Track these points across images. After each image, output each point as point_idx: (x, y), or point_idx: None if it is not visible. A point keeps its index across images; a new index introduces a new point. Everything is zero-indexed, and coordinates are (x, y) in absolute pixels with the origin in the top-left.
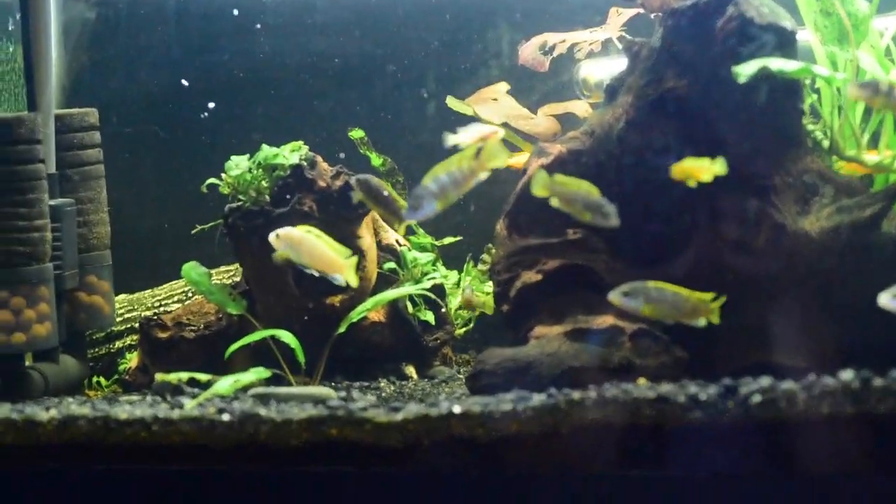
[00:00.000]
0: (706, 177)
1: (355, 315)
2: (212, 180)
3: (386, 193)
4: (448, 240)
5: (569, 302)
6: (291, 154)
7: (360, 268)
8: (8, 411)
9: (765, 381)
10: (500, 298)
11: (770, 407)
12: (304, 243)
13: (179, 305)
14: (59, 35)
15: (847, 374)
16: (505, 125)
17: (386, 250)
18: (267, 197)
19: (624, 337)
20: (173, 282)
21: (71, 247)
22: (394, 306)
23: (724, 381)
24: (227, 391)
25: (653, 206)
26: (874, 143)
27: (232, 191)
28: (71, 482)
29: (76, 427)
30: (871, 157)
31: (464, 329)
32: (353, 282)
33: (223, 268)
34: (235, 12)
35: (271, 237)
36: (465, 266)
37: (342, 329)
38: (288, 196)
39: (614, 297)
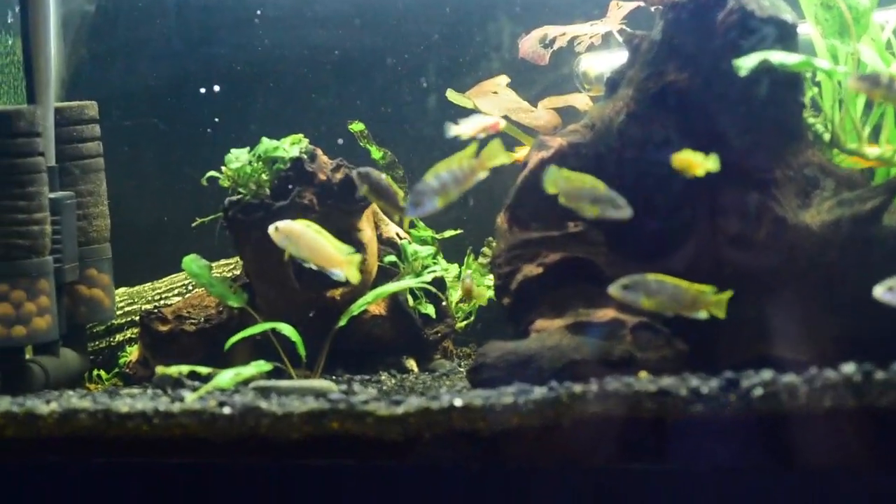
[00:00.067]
0: (699, 171)
1: (356, 308)
2: (212, 173)
3: (386, 186)
4: (449, 233)
5: (570, 295)
6: (291, 147)
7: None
8: (8, 404)
9: (766, 374)
10: (501, 292)
11: (772, 400)
12: (304, 237)
13: (180, 299)
14: (58, 27)
15: (849, 368)
16: (505, 118)
17: (386, 243)
18: (267, 190)
19: (625, 330)
20: (173, 275)
21: (71, 240)
22: (394, 299)
23: (726, 374)
24: (228, 384)
25: (653, 199)
26: (875, 136)
27: (232, 184)
28: (72, 475)
29: (77, 420)
30: (872, 151)
31: (464, 322)
32: (355, 279)
33: (223, 261)
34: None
35: (270, 230)
36: (466, 259)
37: (343, 322)
38: (290, 188)
39: (614, 290)
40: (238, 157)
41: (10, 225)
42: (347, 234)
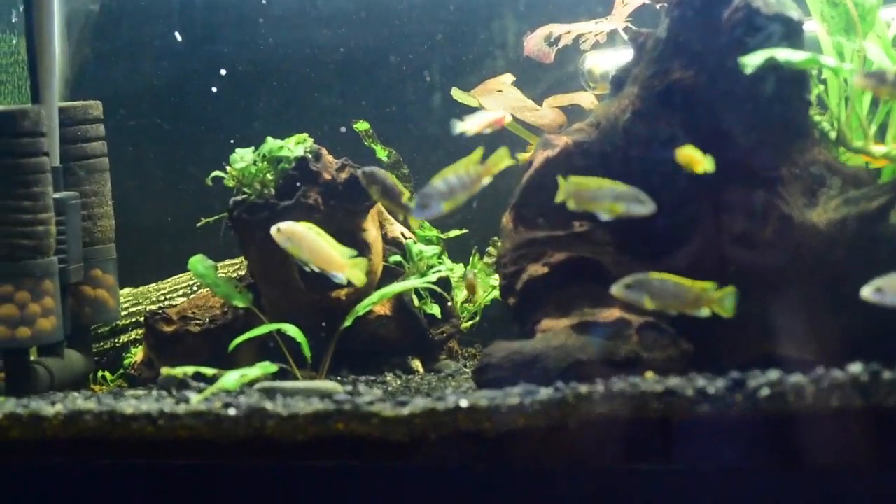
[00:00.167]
0: (698, 168)
1: (361, 309)
2: (216, 173)
3: (392, 185)
4: (454, 233)
5: (575, 295)
6: (296, 146)
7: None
8: (13, 406)
9: (773, 374)
10: (507, 291)
11: (778, 400)
12: (306, 239)
13: (185, 299)
14: (62, 27)
15: (856, 367)
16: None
17: (391, 243)
18: (272, 190)
19: (631, 330)
20: (178, 275)
21: (75, 240)
22: (400, 300)
23: (732, 374)
24: (234, 386)
25: (659, 198)
26: (882, 134)
27: (237, 183)
28: (77, 477)
29: (82, 422)
30: (878, 149)
31: (470, 322)
32: (359, 282)
33: (228, 261)
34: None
35: (272, 231)
36: (471, 259)
37: (348, 323)
38: (295, 187)
39: (617, 289)
40: (243, 157)
41: (14, 225)
42: (352, 233)
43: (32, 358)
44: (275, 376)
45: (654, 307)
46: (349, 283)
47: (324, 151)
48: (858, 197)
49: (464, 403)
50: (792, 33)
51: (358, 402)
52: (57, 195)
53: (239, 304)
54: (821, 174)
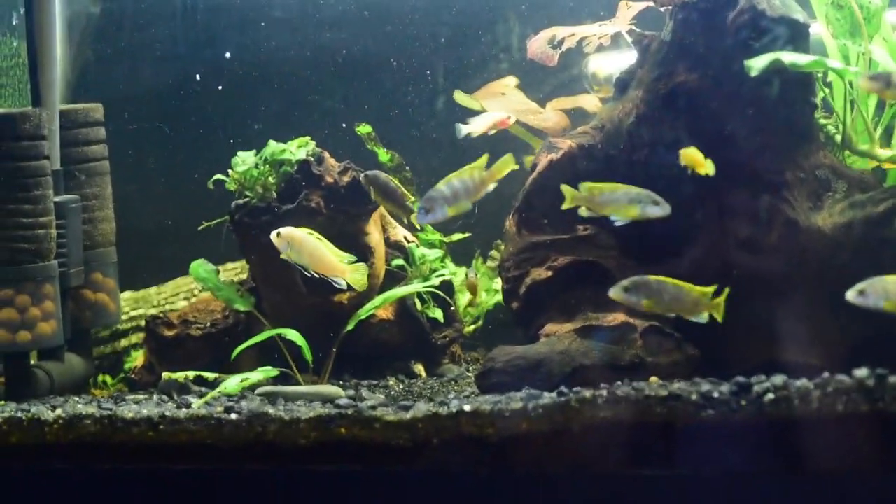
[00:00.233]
0: (700, 170)
1: (363, 313)
2: (218, 176)
3: (395, 188)
4: (457, 236)
5: (579, 299)
6: (298, 149)
7: (367, 265)
8: (13, 410)
9: (778, 378)
10: (510, 295)
11: (784, 405)
12: (305, 244)
13: (186, 303)
14: (63, 29)
15: (862, 372)
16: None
17: (394, 247)
18: (274, 193)
19: (635, 334)
20: (179, 279)
21: (76, 244)
22: (402, 304)
23: (738, 379)
24: (235, 390)
25: None
26: (888, 137)
27: (238, 187)
28: (77, 482)
29: (82, 426)
30: (884, 152)
31: (473, 326)
32: (361, 287)
33: (230, 265)
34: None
35: (272, 236)
36: (474, 262)
37: (350, 327)
38: (298, 190)
39: (615, 292)
40: (244, 160)
41: (14, 229)
42: (355, 237)
43: (33, 362)
44: (276, 380)
45: (652, 310)
46: (350, 288)
47: (326, 155)
48: (864, 201)
49: (467, 408)
50: (797, 36)
51: (360, 407)
52: (57, 199)
53: (240, 307)
54: (826, 178)
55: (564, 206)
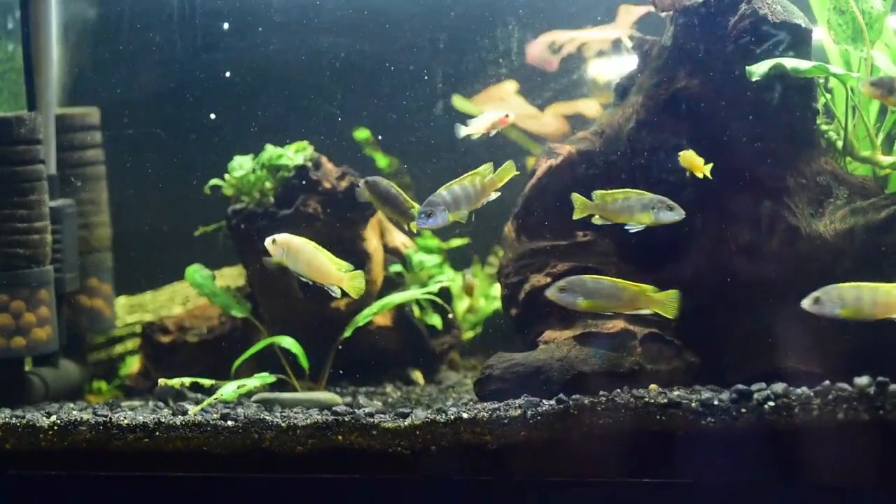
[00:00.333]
0: (698, 173)
1: (361, 319)
2: (215, 181)
3: (395, 194)
4: (455, 242)
5: None
6: (296, 154)
7: (365, 271)
8: (8, 417)
9: (778, 386)
10: (509, 302)
11: (784, 413)
12: (302, 251)
13: (182, 309)
14: (60, 33)
15: (863, 380)
16: (513, 126)
17: (392, 253)
18: (271, 198)
19: (635, 341)
20: (175, 284)
21: (71, 249)
22: (400, 310)
23: (738, 387)
24: (231, 396)
25: None
26: (889, 143)
27: (235, 192)
28: (72, 489)
29: (77, 433)
30: (886, 158)
31: (471, 333)
32: (356, 294)
33: (227, 270)
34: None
35: (267, 242)
36: (473, 267)
37: (347, 334)
38: (296, 195)
39: (551, 293)
40: (242, 165)
41: (9, 234)
42: (352, 242)
43: (27, 368)
44: (273, 387)
45: (590, 308)
46: (346, 294)
47: (324, 160)
48: (865, 207)
49: (465, 415)
50: (799, 41)
51: (358, 414)
52: (53, 203)
53: (237, 313)
54: (827, 184)
55: (575, 216)
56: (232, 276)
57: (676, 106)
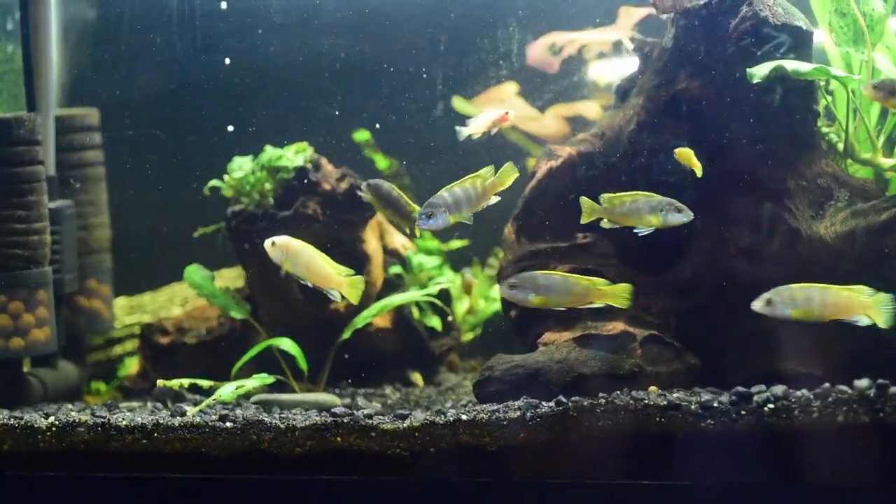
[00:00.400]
0: (696, 169)
1: (360, 321)
2: (214, 182)
3: (396, 197)
4: (455, 244)
5: None
6: (296, 156)
7: (364, 273)
8: (6, 418)
9: (778, 388)
10: (509, 303)
11: (784, 415)
12: (301, 254)
13: (181, 310)
14: (59, 33)
15: (863, 383)
16: (513, 128)
17: (392, 254)
18: (270, 199)
19: (635, 343)
20: (174, 285)
21: (70, 250)
22: (399, 312)
23: (738, 389)
24: (230, 398)
25: None
26: (890, 145)
27: (235, 193)
28: (70, 490)
29: (75, 434)
30: (887, 161)
31: (471, 335)
32: (355, 300)
33: (226, 271)
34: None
35: (266, 245)
36: (471, 267)
37: (346, 335)
38: (295, 196)
39: (503, 289)
40: (241, 166)
41: (8, 235)
42: (352, 244)
43: (26, 369)
44: (272, 388)
45: (543, 304)
46: (344, 299)
47: (324, 161)
48: (866, 209)
49: (464, 417)
50: (800, 43)
51: (357, 416)
52: (52, 204)
53: (236, 314)
54: (828, 186)
55: (584, 220)
56: (231, 278)
57: (677, 108)
